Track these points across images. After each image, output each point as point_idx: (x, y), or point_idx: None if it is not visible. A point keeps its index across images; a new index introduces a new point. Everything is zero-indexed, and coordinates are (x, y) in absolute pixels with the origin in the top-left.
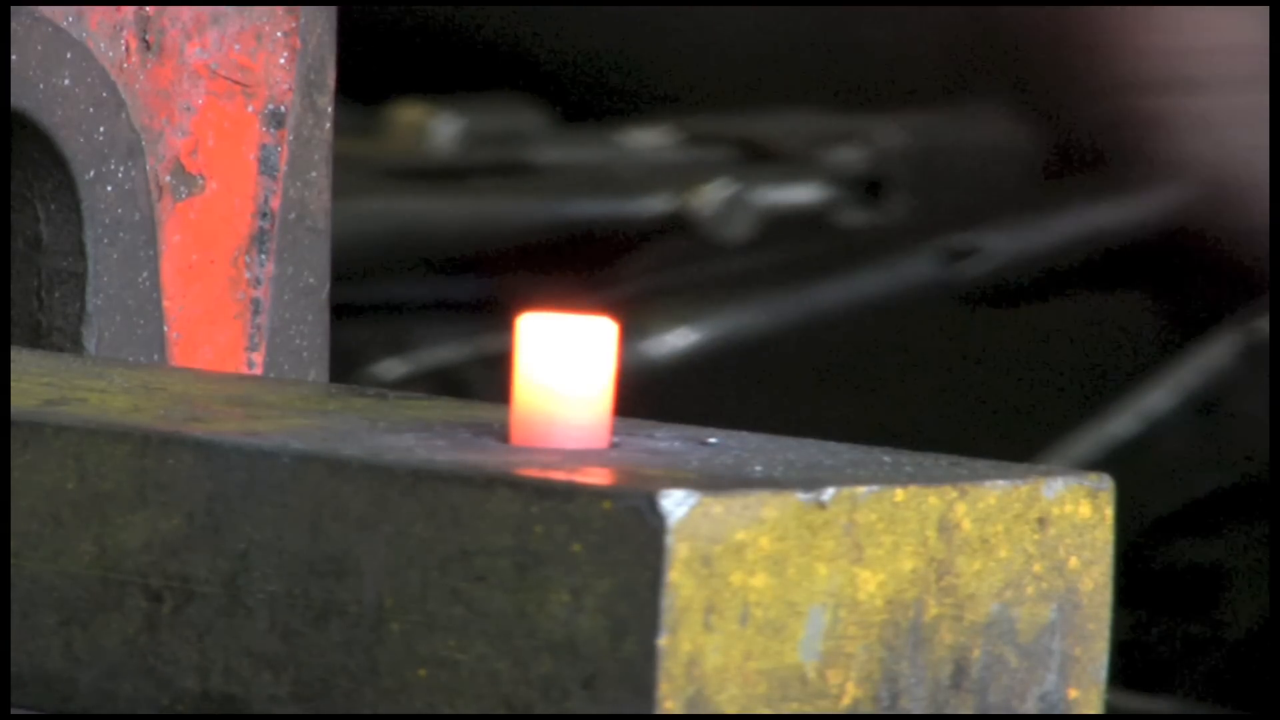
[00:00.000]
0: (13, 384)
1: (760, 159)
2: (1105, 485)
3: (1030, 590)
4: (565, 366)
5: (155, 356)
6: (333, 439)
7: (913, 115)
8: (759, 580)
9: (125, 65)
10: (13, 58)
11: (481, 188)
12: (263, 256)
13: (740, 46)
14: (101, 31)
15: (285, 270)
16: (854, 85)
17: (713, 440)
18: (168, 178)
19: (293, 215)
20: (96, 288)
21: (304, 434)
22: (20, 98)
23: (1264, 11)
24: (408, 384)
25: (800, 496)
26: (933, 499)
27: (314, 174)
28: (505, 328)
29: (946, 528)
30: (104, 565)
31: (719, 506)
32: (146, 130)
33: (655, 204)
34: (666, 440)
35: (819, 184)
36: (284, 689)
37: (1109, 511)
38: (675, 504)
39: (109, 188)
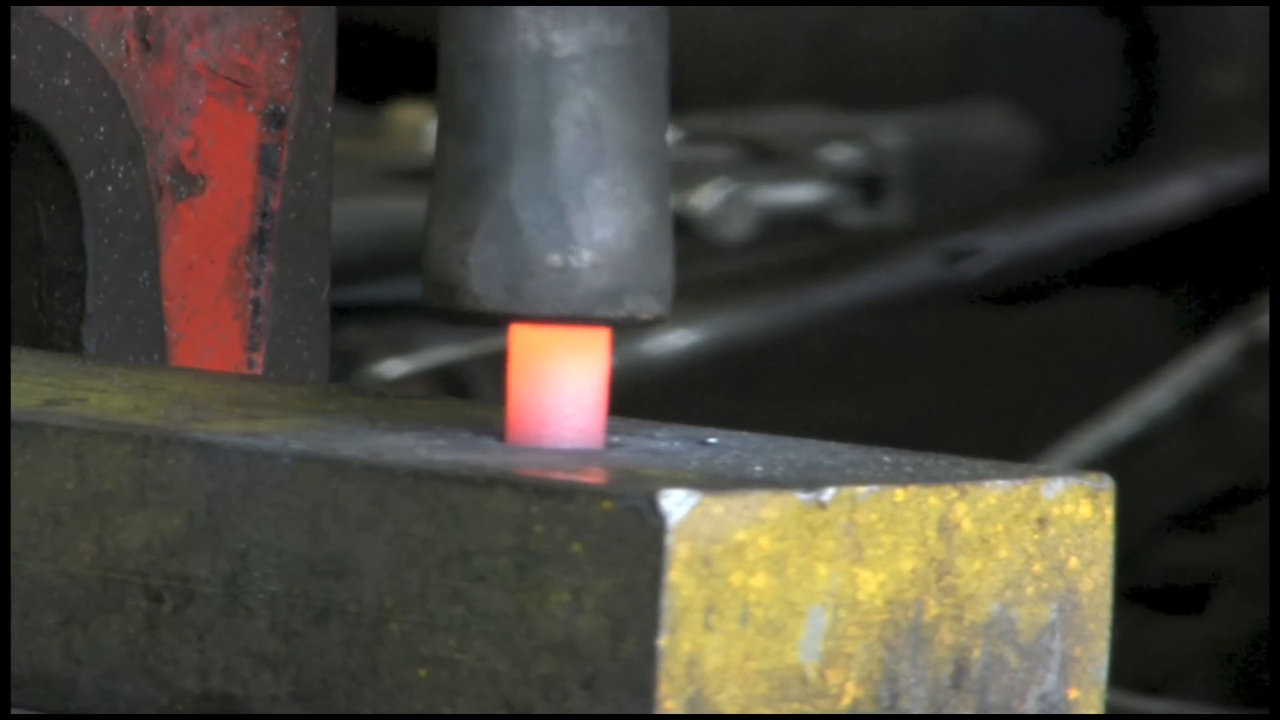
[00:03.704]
0: (13, 384)
1: (760, 159)
2: (1105, 485)
3: (1030, 590)
4: (558, 370)
5: (155, 356)
6: (333, 439)
7: (913, 115)
8: (759, 580)
9: (125, 65)
10: (13, 58)
11: None
12: (263, 256)
13: (740, 46)
14: (101, 31)
15: (285, 270)
16: (854, 85)
17: (713, 440)
18: (168, 178)
19: (293, 215)
20: (96, 288)
21: (304, 434)
22: (20, 98)
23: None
24: (408, 384)
25: (800, 496)
26: (933, 499)
27: (314, 174)
28: (505, 327)
29: (946, 528)
30: (104, 565)
31: (719, 506)
32: (146, 130)
33: None
34: (666, 440)
35: (819, 184)
36: (284, 689)
37: (1109, 511)
38: (675, 504)
39: (109, 188)
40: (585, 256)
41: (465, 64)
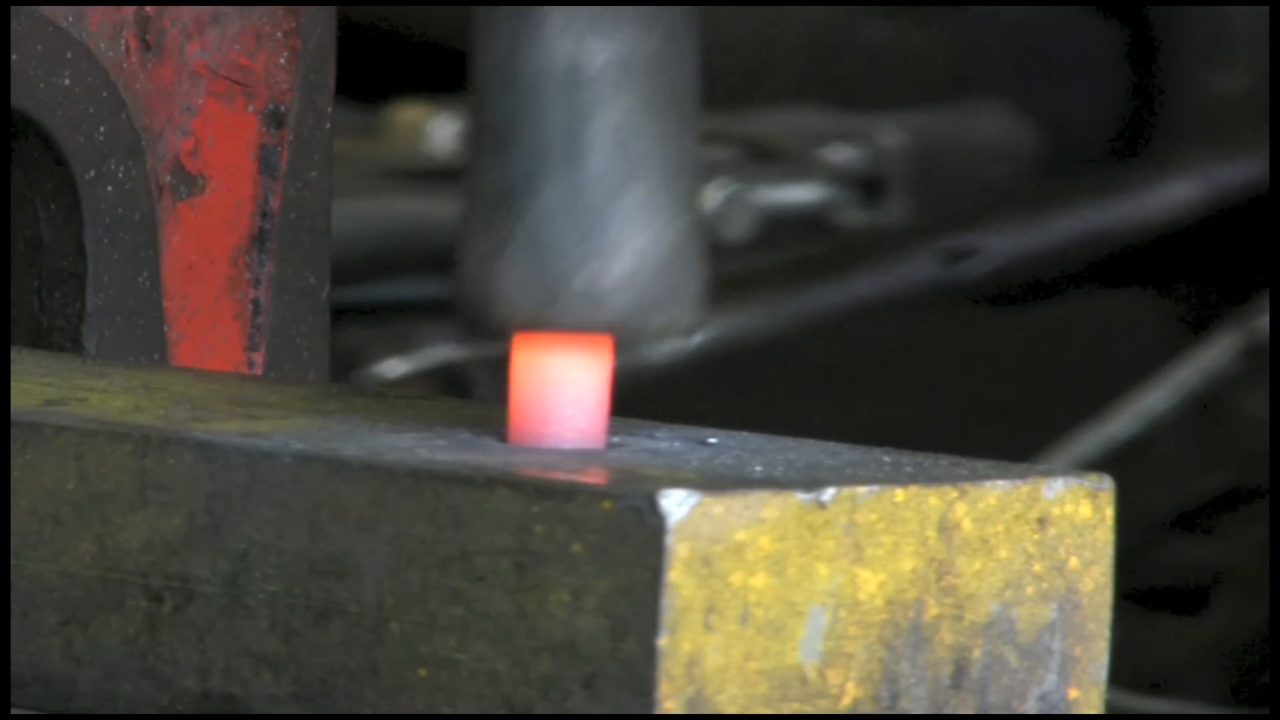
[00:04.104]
0: (13, 384)
1: (760, 159)
2: (1105, 485)
3: (1030, 590)
4: (559, 371)
5: (155, 356)
6: (333, 439)
7: (913, 115)
8: (759, 580)
9: (125, 65)
10: (13, 58)
11: None
12: (263, 256)
13: (740, 46)
14: (101, 31)
15: (285, 270)
16: (854, 85)
17: (713, 440)
18: (168, 178)
19: (293, 215)
20: (96, 288)
21: (304, 434)
22: (20, 98)
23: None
24: (408, 383)
25: (800, 496)
26: (933, 499)
27: (314, 174)
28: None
29: (946, 528)
30: (104, 565)
31: (719, 506)
32: (146, 130)
33: None
34: (666, 440)
35: (819, 184)
36: (284, 689)
37: (1109, 511)
38: (675, 504)
39: (109, 188)
40: (617, 269)
41: (497, 79)
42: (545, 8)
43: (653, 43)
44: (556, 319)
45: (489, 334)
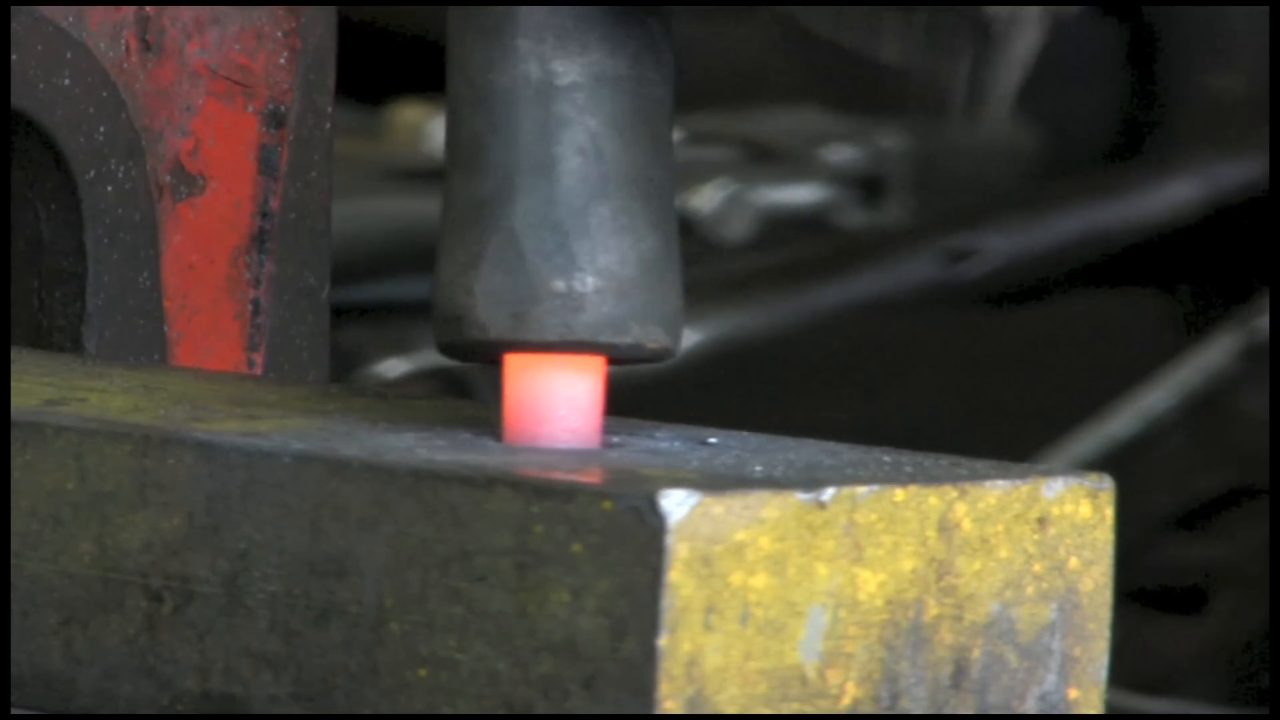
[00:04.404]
0: (13, 384)
1: (760, 159)
2: (1105, 485)
3: (1030, 590)
4: (553, 371)
5: (155, 356)
6: (333, 439)
7: (913, 115)
8: (759, 580)
9: (125, 65)
10: (13, 58)
11: None
12: (263, 256)
13: (740, 47)
14: (101, 31)
15: (285, 270)
16: (854, 85)
17: (713, 440)
18: (168, 178)
19: (293, 215)
20: (96, 288)
21: (304, 434)
22: (20, 98)
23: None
24: (408, 383)
25: (800, 496)
26: (933, 499)
27: (314, 174)
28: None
29: (946, 528)
30: (104, 565)
31: (719, 506)
32: (146, 130)
33: None
34: (666, 440)
35: (819, 184)
36: (284, 689)
37: (1109, 511)
38: (675, 504)
39: (109, 188)
40: (589, 282)
41: (469, 97)
42: (516, 26)
43: (622, 62)
44: (529, 333)
45: (464, 353)
